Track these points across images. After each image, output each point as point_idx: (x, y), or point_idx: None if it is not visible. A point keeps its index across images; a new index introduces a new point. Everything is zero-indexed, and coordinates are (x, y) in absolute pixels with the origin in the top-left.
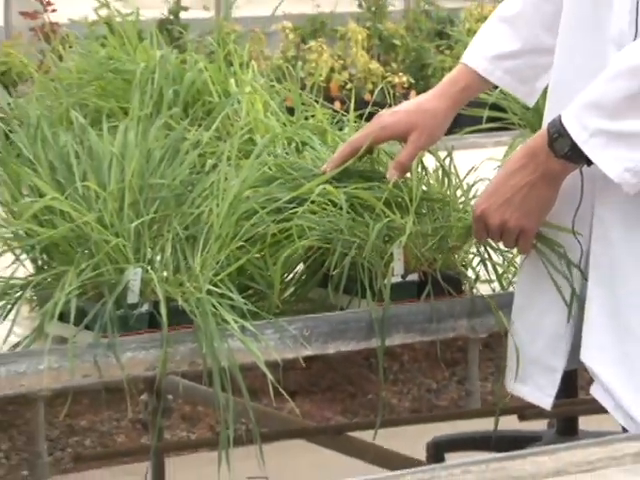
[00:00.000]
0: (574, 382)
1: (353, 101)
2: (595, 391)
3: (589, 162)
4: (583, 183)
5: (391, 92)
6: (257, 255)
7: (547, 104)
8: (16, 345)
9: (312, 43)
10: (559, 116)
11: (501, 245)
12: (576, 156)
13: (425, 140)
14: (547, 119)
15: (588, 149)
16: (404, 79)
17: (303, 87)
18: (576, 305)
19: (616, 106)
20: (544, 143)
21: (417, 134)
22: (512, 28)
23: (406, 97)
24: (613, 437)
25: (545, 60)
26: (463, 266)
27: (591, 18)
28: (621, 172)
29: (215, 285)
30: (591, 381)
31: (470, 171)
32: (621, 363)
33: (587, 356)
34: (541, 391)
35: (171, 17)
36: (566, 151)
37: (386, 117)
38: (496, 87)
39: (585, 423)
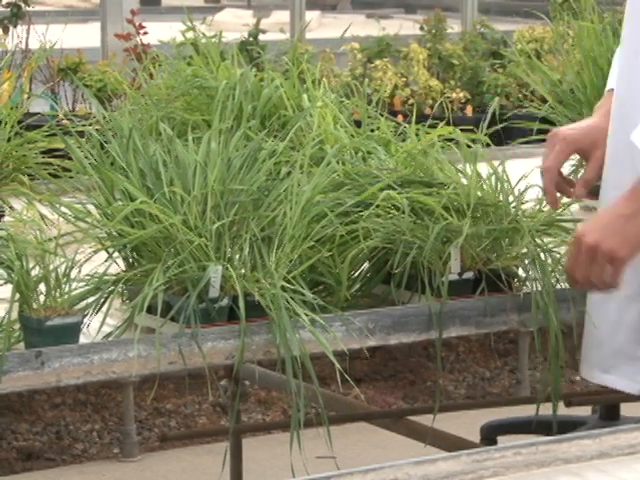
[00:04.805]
0: None
1: (415, 115)
2: None
3: None
4: None
5: (449, 107)
6: (326, 254)
7: (611, 121)
8: (108, 335)
9: (378, 62)
10: None
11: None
12: None
13: (604, 157)
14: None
15: None
16: (461, 95)
17: (369, 102)
18: None
19: None
20: None
21: (601, 151)
22: None
23: (462, 111)
24: None
25: None
26: (515, 265)
27: None
28: None
29: (288, 282)
30: None
31: (521, 179)
32: None
33: None
34: (629, 379)
35: (251, 39)
36: None
37: (568, 132)
38: None
39: (626, 410)
